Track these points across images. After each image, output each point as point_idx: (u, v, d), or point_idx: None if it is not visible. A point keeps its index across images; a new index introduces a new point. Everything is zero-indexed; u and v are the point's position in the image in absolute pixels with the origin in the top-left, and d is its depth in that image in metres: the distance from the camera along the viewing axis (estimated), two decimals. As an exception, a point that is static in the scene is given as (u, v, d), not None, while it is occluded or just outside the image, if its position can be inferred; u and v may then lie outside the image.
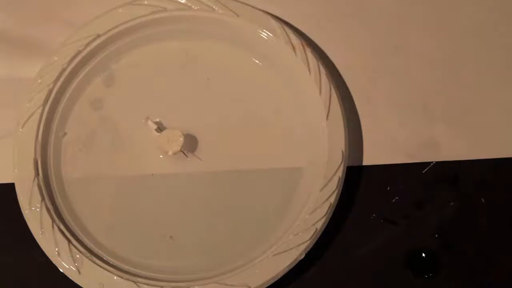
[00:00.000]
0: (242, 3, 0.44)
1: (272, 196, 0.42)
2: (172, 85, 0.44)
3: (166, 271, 0.40)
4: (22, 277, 0.42)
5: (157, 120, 0.43)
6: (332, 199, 0.40)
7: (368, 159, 0.44)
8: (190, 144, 0.43)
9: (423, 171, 0.44)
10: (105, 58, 0.44)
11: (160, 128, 0.43)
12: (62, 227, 0.40)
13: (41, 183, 0.41)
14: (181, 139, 0.41)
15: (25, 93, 0.42)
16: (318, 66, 0.43)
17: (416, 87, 0.46)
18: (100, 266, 0.39)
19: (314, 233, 0.40)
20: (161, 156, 0.43)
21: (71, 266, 0.39)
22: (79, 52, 0.43)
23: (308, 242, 0.40)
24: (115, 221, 0.42)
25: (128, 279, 0.39)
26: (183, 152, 0.42)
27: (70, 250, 0.39)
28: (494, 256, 0.42)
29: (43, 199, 0.40)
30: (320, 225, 0.40)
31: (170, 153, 0.41)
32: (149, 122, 0.43)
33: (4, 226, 0.42)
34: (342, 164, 0.41)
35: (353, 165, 0.44)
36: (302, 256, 0.40)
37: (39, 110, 0.42)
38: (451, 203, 0.43)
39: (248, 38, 0.44)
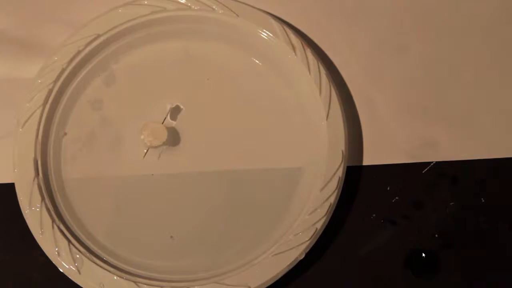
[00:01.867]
0: (242, 3, 0.44)
1: (272, 196, 0.42)
2: (172, 85, 0.44)
3: (166, 271, 0.40)
4: (22, 277, 0.42)
5: (181, 107, 0.43)
6: (332, 199, 0.40)
7: (368, 159, 0.44)
8: (190, 143, 0.43)
9: (423, 171, 0.44)
10: (105, 58, 0.44)
11: (171, 117, 0.43)
12: (62, 227, 0.40)
13: (41, 183, 0.41)
14: (158, 142, 0.41)
15: (25, 93, 0.42)
16: (318, 66, 0.43)
17: (416, 87, 0.46)
18: (100, 266, 0.39)
19: (314, 233, 0.40)
20: (145, 150, 0.43)
21: (71, 266, 0.39)
22: (79, 52, 0.43)
23: (308, 242, 0.40)
24: (115, 221, 0.42)
25: (128, 279, 0.39)
26: (146, 150, 0.42)
27: (70, 250, 0.39)
28: (494, 256, 0.42)
29: (43, 199, 0.40)
30: (320, 225, 0.40)
31: (142, 137, 0.41)
32: (168, 106, 0.43)
33: (4, 226, 0.42)
34: (342, 164, 0.41)
35: (353, 165, 0.44)
36: (302, 256, 0.40)
37: (39, 110, 0.42)
38: (451, 203, 0.43)
39: (248, 38, 0.44)
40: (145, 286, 0.39)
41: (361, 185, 0.43)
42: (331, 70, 0.45)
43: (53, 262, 0.40)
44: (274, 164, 0.43)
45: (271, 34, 0.43)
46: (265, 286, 0.39)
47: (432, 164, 0.44)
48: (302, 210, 0.41)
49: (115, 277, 0.39)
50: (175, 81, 0.44)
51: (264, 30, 0.43)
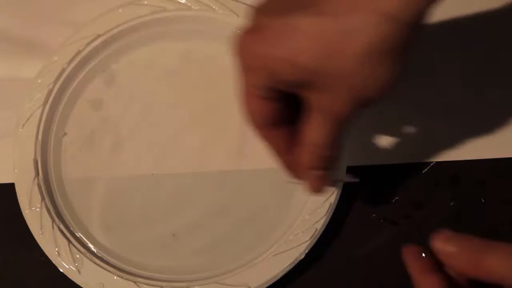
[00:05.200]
0: (242, 3, 0.44)
1: (272, 196, 0.42)
2: (172, 85, 0.44)
3: (166, 271, 0.40)
4: (22, 277, 0.42)
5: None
6: (332, 199, 0.40)
7: (368, 159, 0.44)
8: (190, 142, 0.43)
9: (423, 171, 0.44)
10: (105, 58, 0.44)
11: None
12: (62, 227, 0.40)
13: (41, 183, 0.41)
14: None
15: (25, 93, 0.42)
16: (318, 66, 0.43)
17: (416, 87, 0.46)
18: (100, 266, 0.39)
19: (314, 233, 0.40)
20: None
21: (71, 266, 0.39)
22: (79, 52, 0.43)
23: (308, 242, 0.40)
24: (115, 221, 0.42)
25: (128, 279, 0.39)
26: None
27: (70, 250, 0.39)
28: (494, 256, 0.42)
29: (43, 199, 0.40)
30: (320, 225, 0.40)
31: None
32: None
33: (4, 226, 0.42)
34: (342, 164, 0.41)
35: (353, 165, 0.44)
36: (302, 256, 0.40)
37: (39, 110, 0.42)
38: (451, 203, 0.43)
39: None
40: (145, 286, 0.39)
41: (361, 185, 0.43)
42: (331, 70, 0.45)
43: (53, 262, 0.40)
44: (274, 164, 0.43)
45: (271, 34, 0.43)
46: (265, 286, 0.39)
47: (432, 164, 0.44)
48: (302, 210, 0.41)
49: (115, 277, 0.39)
50: (175, 81, 0.44)
51: (264, 30, 0.43)
